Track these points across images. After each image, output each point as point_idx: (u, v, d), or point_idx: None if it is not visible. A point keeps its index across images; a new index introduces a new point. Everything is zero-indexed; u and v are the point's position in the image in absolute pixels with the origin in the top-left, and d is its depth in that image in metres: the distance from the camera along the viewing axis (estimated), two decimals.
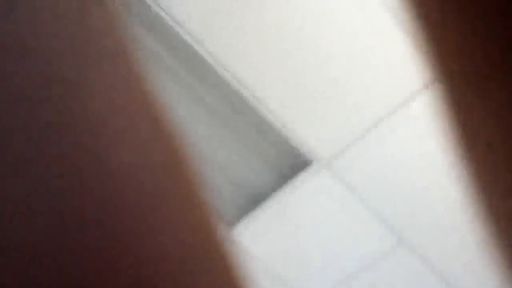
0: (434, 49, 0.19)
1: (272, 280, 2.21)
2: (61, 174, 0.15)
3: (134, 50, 0.20)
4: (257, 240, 2.12)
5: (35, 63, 0.15)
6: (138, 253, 0.15)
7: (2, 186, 0.14)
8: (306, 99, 1.83)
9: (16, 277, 0.13)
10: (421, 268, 2.15)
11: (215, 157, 1.93)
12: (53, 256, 0.14)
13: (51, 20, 0.16)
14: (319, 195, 1.99)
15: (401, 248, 2.09)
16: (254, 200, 2.03)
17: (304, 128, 1.89)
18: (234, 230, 2.09)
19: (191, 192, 0.18)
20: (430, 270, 2.16)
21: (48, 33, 0.16)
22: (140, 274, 0.15)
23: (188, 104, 1.82)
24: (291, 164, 1.95)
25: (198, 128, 1.87)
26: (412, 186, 1.98)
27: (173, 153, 0.18)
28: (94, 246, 0.14)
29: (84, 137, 0.16)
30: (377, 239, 2.09)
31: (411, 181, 1.97)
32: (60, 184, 0.15)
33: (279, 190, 1.99)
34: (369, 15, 1.71)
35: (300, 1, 1.68)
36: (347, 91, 1.82)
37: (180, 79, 1.77)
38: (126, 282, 0.15)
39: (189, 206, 0.17)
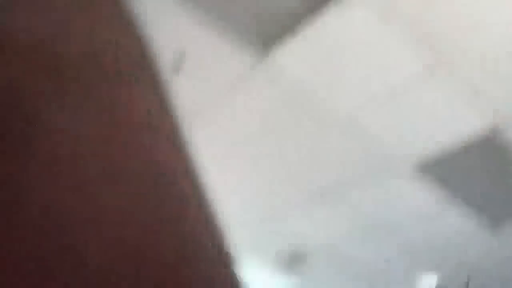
0: None
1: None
2: None
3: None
4: (294, 62, 2.16)
5: None
6: None
7: None
8: None
9: None
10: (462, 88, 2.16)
11: None
12: None
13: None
14: (355, 22, 1.98)
15: (438, 69, 2.09)
16: (290, 24, 2.04)
17: None
18: (270, 53, 2.13)
19: None
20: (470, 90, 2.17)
21: None
22: None
23: None
24: None
25: None
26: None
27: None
28: None
29: None
30: (410, 62, 2.09)
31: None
32: None
33: (314, 14, 1.99)
34: None
35: None
36: None
37: None
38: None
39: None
